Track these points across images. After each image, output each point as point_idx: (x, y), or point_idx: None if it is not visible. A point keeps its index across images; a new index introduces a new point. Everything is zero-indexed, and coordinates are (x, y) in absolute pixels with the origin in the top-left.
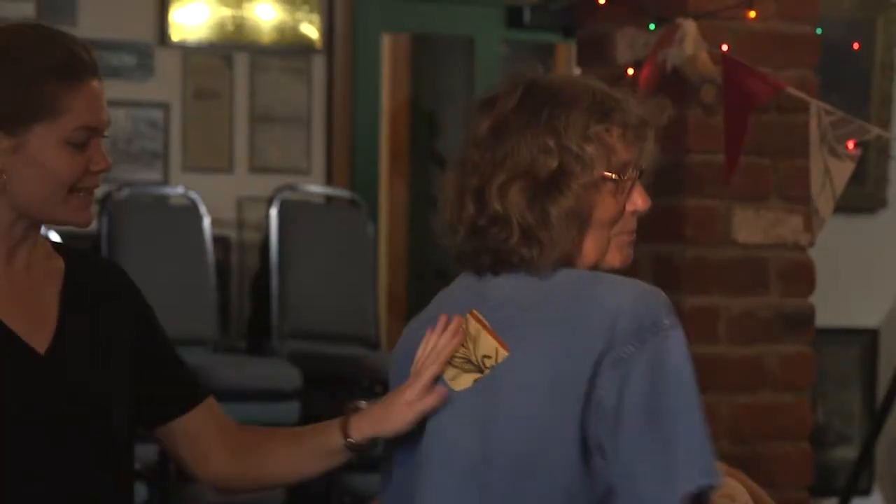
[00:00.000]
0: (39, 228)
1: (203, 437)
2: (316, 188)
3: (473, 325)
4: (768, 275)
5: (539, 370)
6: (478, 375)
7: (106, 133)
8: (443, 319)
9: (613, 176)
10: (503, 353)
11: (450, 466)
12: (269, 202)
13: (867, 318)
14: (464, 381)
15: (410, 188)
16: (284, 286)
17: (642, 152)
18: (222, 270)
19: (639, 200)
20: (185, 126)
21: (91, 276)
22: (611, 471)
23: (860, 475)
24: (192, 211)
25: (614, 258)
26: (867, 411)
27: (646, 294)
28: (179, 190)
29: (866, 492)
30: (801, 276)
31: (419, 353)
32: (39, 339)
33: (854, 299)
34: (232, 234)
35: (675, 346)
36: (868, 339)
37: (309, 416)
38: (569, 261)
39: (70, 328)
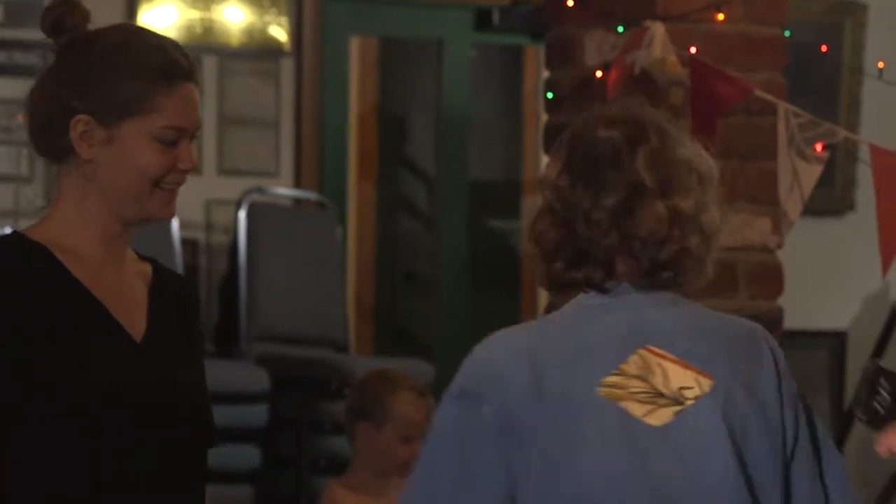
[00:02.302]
0: (132, 227)
1: None
2: (284, 191)
3: (651, 358)
4: (736, 277)
5: (745, 401)
6: (679, 408)
7: (195, 135)
8: None
9: None
10: (707, 382)
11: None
12: (238, 205)
13: (835, 320)
14: (663, 416)
15: (379, 191)
16: (253, 289)
17: None
18: (190, 273)
19: None
20: None
21: (173, 283)
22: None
23: None
24: None
25: None
26: (836, 413)
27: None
28: None
29: None
30: (770, 279)
31: None
32: (135, 329)
33: (822, 302)
34: (200, 236)
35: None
36: (836, 342)
37: (277, 419)
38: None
39: (160, 324)
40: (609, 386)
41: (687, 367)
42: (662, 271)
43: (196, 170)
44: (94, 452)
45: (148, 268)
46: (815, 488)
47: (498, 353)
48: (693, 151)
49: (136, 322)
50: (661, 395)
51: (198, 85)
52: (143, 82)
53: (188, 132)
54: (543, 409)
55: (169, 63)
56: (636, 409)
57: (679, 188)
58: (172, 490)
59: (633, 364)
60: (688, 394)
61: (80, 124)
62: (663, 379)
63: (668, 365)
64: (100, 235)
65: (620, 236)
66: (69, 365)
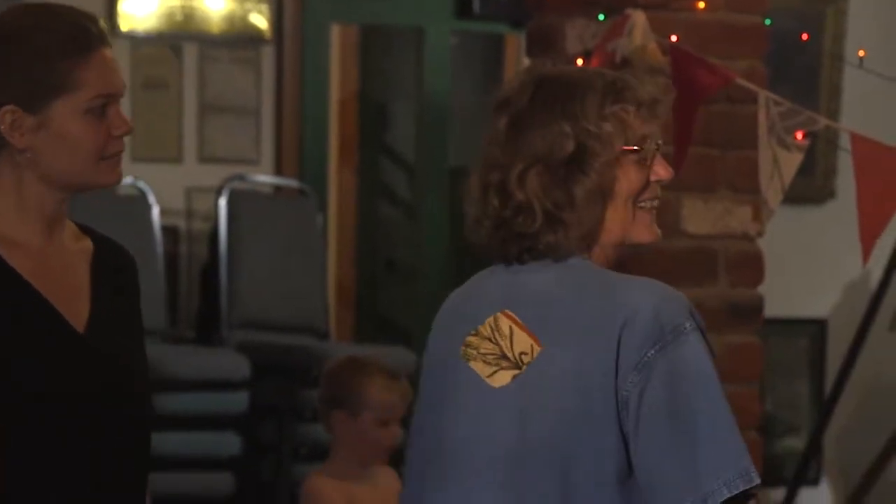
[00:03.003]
0: (67, 203)
1: None
2: (265, 178)
3: (506, 323)
4: (717, 265)
5: (569, 367)
6: (517, 371)
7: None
8: None
9: (634, 148)
10: (537, 349)
11: (483, 460)
12: (218, 192)
13: (815, 308)
14: (502, 378)
15: (359, 178)
16: (233, 276)
17: (657, 126)
18: (171, 261)
19: (661, 170)
20: (133, 116)
21: (114, 258)
22: (637, 474)
23: (808, 465)
24: (140, 201)
25: (642, 234)
26: (815, 401)
27: (666, 297)
28: (128, 180)
29: (814, 482)
30: (750, 267)
31: None
32: (77, 317)
33: (802, 290)
34: (181, 224)
35: (694, 350)
36: (816, 330)
37: (258, 406)
38: (593, 239)
39: (104, 307)
40: (466, 346)
41: (529, 332)
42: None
43: (177, 157)
44: (41, 444)
45: (89, 243)
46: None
47: None
48: None
49: (79, 309)
50: (506, 357)
51: (111, 46)
52: (59, 61)
53: (115, 97)
54: (426, 369)
55: (80, 34)
56: (483, 370)
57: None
58: (120, 476)
59: (487, 326)
60: (524, 359)
61: (7, 116)
62: (510, 343)
63: (517, 329)
64: (39, 224)
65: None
66: (10, 361)
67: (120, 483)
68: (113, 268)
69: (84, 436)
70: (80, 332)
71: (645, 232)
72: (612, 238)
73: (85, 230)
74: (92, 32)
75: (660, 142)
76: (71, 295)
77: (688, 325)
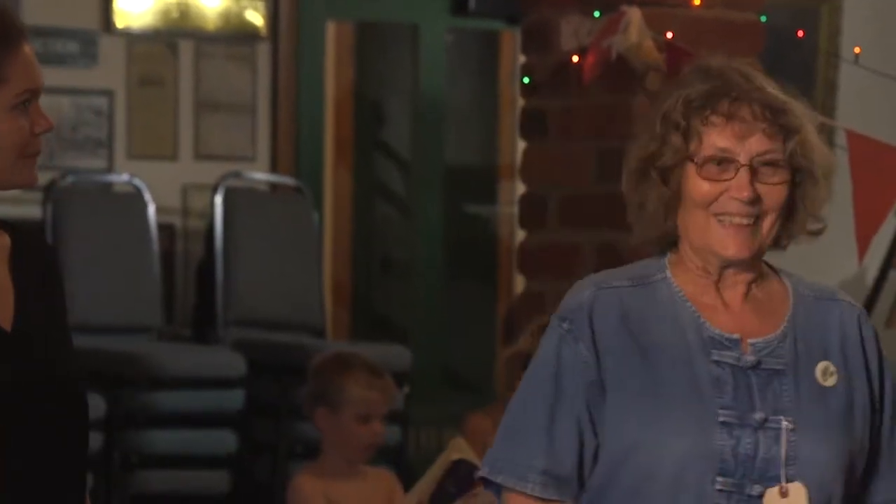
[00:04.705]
0: None
1: None
2: (261, 176)
3: None
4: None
5: None
6: None
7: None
8: None
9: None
10: None
11: None
12: (214, 190)
13: None
14: None
15: (355, 176)
16: (229, 274)
17: None
18: (167, 258)
19: None
20: (129, 113)
21: (32, 249)
22: None
23: None
24: (136, 198)
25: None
26: None
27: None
28: (124, 177)
29: None
30: None
31: None
32: (2, 315)
33: None
34: (177, 221)
35: (542, 343)
36: None
37: (254, 404)
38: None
39: (29, 304)
40: None
41: None
42: None
43: (172, 154)
44: None
45: (6, 239)
46: None
47: None
48: None
49: (3, 307)
50: None
51: (28, 40)
52: None
53: (38, 93)
54: None
55: (6, 27)
56: None
57: None
58: (54, 472)
59: None
60: None
61: None
62: None
63: None
64: None
65: None
66: None
67: (54, 479)
68: (33, 260)
69: (17, 433)
70: (7, 331)
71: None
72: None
73: (1, 225)
74: (16, 26)
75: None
76: None
77: (554, 320)
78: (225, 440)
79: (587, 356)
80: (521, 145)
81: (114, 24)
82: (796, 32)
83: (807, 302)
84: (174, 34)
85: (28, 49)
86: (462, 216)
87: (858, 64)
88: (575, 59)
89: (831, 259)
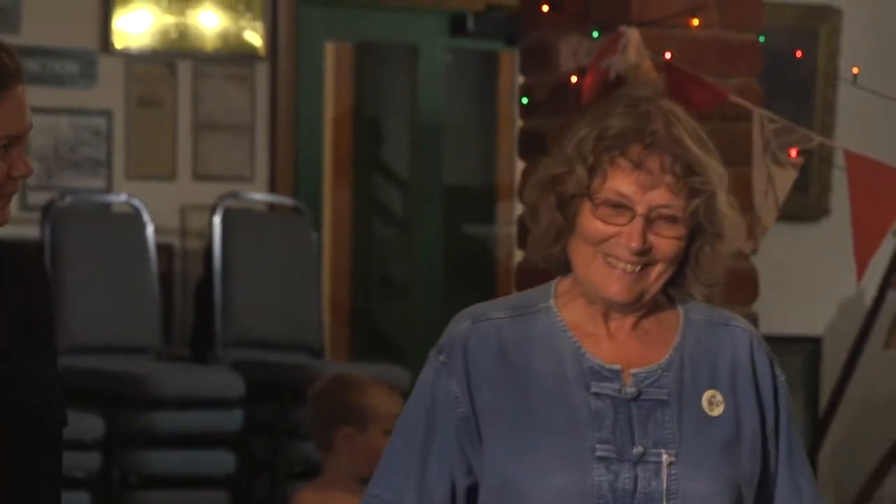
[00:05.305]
0: None
1: None
2: (259, 196)
3: None
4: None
5: None
6: None
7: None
8: None
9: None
10: None
11: None
12: (213, 210)
13: (810, 326)
14: None
15: (354, 196)
16: (228, 294)
17: None
18: (165, 278)
19: None
20: (128, 134)
21: (15, 268)
22: None
23: None
24: (135, 219)
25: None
26: (810, 419)
27: None
28: (122, 198)
29: None
30: (744, 284)
31: None
32: None
33: (797, 307)
34: (175, 241)
35: (422, 373)
36: (811, 348)
37: (253, 424)
38: None
39: (5, 331)
40: None
41: None
42: None
43: (171, 175)
44: None
45: None
46: None
47: None
48: None
49: None
50: None
51: (23, 82)
52: None
53: (22, 138)
54: None
55: None
56: None
57: None
58: (28, 492)
59: None
60: None
61: None
62: None
63: None
64: None
65: None
66: None
67: (24, 498)
68: (14, 279)
69: None
70: None
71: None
72: None
73: None
74: (6, 66)
75: None
76: None
77: (432, 352)
78: (223, 460)
79: (459, 392)
80: (520, 165)
81: (113, 45)
82: (795, 53)
83: (697, 328)
84: (173, 55)
85: (19, 91)
86: (461, 236)
87: (857, 84)
88: (574, 79)
89: (830, 278)
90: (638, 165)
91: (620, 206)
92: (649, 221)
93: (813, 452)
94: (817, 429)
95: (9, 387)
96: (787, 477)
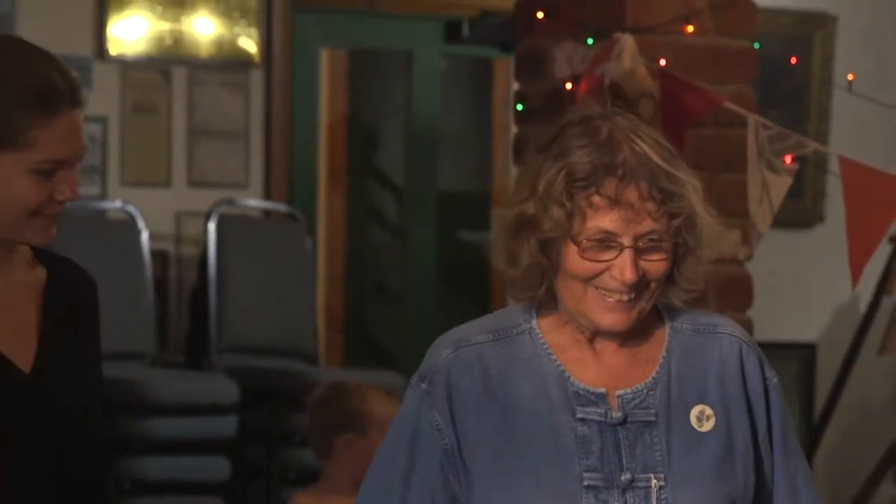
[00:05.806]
0: (14, 248)
1: None
2: (254, 202)
3: None
4: (706, 289)
5: None
6: None
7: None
8: None
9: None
10: None
11: None
12: (207, 216)
13: (805, 332)
14: None
15: (349, 203)
16: (223, 300)
17: None
18: (160, 285)
19: None
20: (123, 140)
21: (68, 285)
22: None
23: None
24: (129, 225)
25: None
26: (806, 425)
27: None
28: (117, 204)
29: None
30: (739, 291)
31: None
32: (23, 356)
33: (792, 314)
34: (170, 248)
35: (405, 400)
36: (806, 354)
37: (247, 431)
38: None
39: (52, 344)
40: None
41: None
42: None
43: (166, 181)
44: None
45: (41, 273)
46: None
47: None
48: None
49: (25, 347)
50: None
51: (81, 105)
52: (15, 115)
53: (70, 163)
54: None
55: (45, 89)
56: None
57: None
58: (77, 494)
59: None
60: None
61: None
62: None
63: None
64: None
65: None
66: None
67: None
68: (67, 296)
69: (32, 474)
70: (25, 373)
71: None
72: None
73: (41, 256)
74: (59, 89)
75: None
76: (16, 334)
77: (414, 379)
78: (218, 466)
79: (442, 423)
80: (515, 172)
81: (107, 52)
82: (790, 59)
83: (684, 339)
84: (168, 61)
85: (71, 116)
86: (455, 242)
87: (852, 91)
88: (568, 86)
89: (825, 284)
90: (616, 201)
91: (606, 241)
92: (638, 251)
93: (809, 457)
94: (813, 434)
95: (56, 391)
96: (785, 478)
